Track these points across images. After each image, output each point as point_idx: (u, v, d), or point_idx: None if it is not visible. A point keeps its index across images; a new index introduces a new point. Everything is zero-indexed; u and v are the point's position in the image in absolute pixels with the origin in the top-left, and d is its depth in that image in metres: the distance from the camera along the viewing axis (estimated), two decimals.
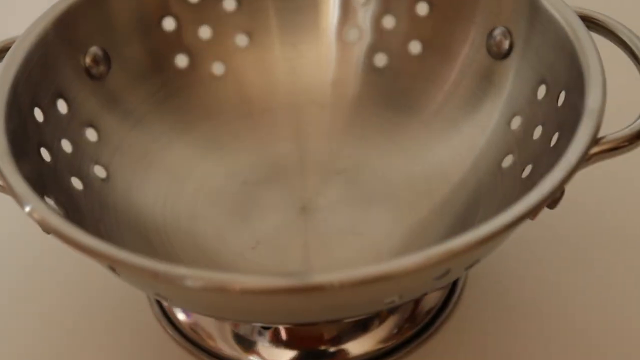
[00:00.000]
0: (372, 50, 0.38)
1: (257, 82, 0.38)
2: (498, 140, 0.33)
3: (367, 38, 0.38)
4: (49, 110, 0.32)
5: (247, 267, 0.31)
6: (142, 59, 0.36)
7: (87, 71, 0.35)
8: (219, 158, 0.36)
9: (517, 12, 0.34)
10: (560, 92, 0.31)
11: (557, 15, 0.31)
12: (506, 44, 0.34)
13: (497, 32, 0.35)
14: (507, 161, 0.33)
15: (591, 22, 0.32)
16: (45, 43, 0.32)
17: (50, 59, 0.33)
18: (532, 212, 0.24)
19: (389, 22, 0.38)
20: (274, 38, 0.39)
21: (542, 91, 0.32)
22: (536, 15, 0.32)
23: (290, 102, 0.38)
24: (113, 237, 0.30)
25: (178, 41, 0.37)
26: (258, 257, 0.32)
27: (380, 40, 0.38)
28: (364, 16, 0.38)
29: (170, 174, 0.35)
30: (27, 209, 0.26)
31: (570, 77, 0.30)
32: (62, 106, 0.33)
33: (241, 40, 0.38)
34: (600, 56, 0.29)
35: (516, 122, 0.33)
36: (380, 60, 0.38)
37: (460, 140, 0.35)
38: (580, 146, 0.26)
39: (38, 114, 0.31)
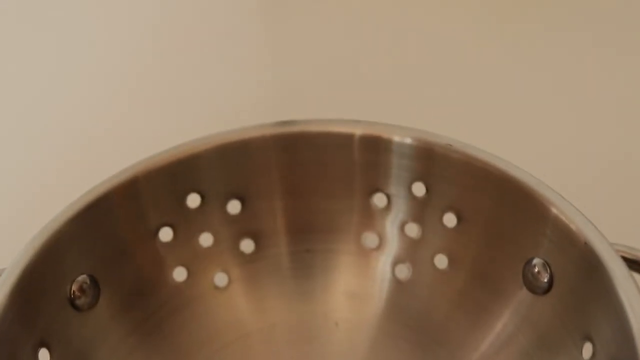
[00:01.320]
0: (394, 260, 0.35)
1: (261, 294, 0.35)
2: None
3: (387, 246, 0.35)
4: None
5: None
6: (134, 280, 0.33)
7: (72, 302, 0.31)
8: None
9: (558, 246, 0.30)
10: None
11: (610, 268, 0.27)
12: (544, 278, 0.31)
13: (535, 263, 0.31)
14: None
15: None
16: (23, 288, 0.29)
17: (33, 301, 0.29)
18: None
19: (412, 230, 0.34)
20: (282, 242, 0.35)
21: (587, 351, 0.28)
22: (581, 257, 0.28)
23: (299, 317, 0.34)
24: None
25: (175, 252, 0.34)
26: None
27: (402, 249, 0.34)
28: (384, 222, 0.34)
29: None
30: None
31: (621, 352, 0.26)
32: (44, 356, 0.30)
33: (246, 245, 0.35)
34: None
35: None
36: (402, 271, 0.34)
37: None
38: None
39: None
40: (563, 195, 0.29)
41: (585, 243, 0.28)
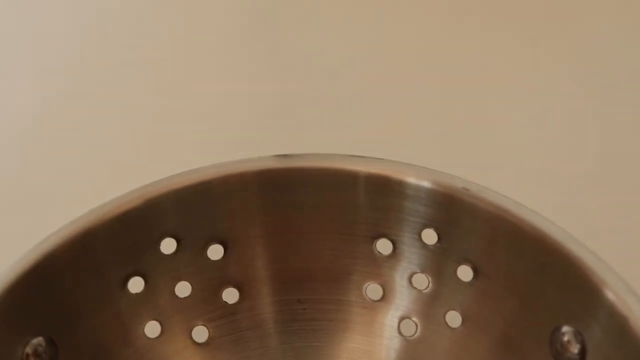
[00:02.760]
0: (401, 315, 0.30)
1: (247, 352, 0.30)
2: None
3: (393, 299, 0.30)
4: None
5: None
6: (98, 339, 0.28)
7: None
8: None
9: (597, 322, 0.25)
10: None
11: None
12: (575, 349, 0.26)
13: (565, 331, 0.27)
14: None
15: None
16: None
17: None
18: None
19: (420, 282, 0.30)
20: (270, 291, 0.31)
21: None
22: (622, 339, 0.24)
23: None
24: None
25: (147, 305, 0.29)
26: None
27: (410, 303, 0.30)
28: (390, 271, 0.30)
29: None
30: None
31: None
32: None
33: (229, 295, 0.30)
34: None
35: None
36: (410, 328, 0.30)
37: None
38: None
39: None
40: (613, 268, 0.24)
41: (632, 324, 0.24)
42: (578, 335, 0.26)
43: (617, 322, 0.24)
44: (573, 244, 0.25)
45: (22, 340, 0.26)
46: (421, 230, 0.29)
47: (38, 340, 0.27)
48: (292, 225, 0.30)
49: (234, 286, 0.30)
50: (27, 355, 0.26)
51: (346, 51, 0.53)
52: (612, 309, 0.24)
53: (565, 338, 0.27)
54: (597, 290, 0.24)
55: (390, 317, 0.30)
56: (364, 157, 0.29)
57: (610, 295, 0.24)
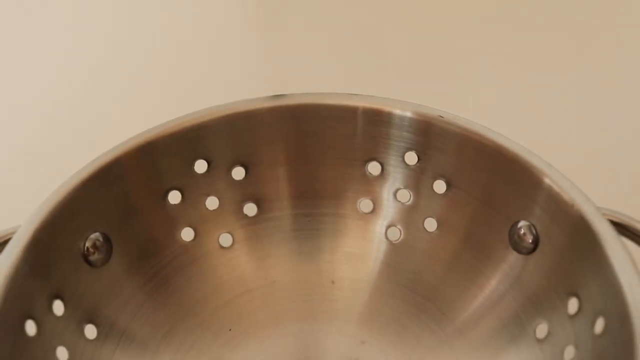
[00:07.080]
0: (388, 224, 0.33)
1: (263, 254, 0.33)
2: (523, 351, 0.28)
3: (381, 211, 0.33)
4: (44, 317, 0.26)
5: None
6: (145, 239, 0.30)
7: (86, 259, 0.28)
8: (220, 350, 0.30)
9: (546, 210, 0.28)
10: (597, 318, 0.25)
11: (597, 228, 0.25)
12: (529, 239, 0.29)
13: (521, 225, 0.29)
14: None
15: (626, 230, 0.27)
16: (36, 244, 0.26)
17: (47, 256, 0.26)
18: None
19: (404, 196, 0.32)
20: (282, 206, 0.33)
21: (573, 306, 0.27)
22: (568, 219, 0.27)
23: (298, 275, 0.32)
24: None
25: (183, 214, 0.31)
26: None
27: (395, 214, 0.32)
28: (379, 188, 0.33)
29: None
30: None
31: (609, 305, 0.25)
32: (58, 308, 0.27)
33: (249, 209, 0.33)
34: None
35: (542, 331, 0.28)
36: (394, 234, 0.32)
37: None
38: None
39: (30, 328, 0.25)
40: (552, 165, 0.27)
41: (573, 205, 0.26)
42: (532, 228, 0.29)
43: (553, 200, 0.27)
44: (522, 151, 0.28)
45: (83, 235, 0.28)
46: (404, 153, 0.31)
47: (96, 235, 0.29)
48: (302, 152, 0.32)
49: (254, 201, 0.33)
50: (87, 248, 0.29)
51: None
52: (550, 191, 0.27)
53: (522, 231, 0.29)
54: (538, 180, 0.27)
55: (378, 226, 0.33)
56: (360, 94, 0.32)
57: (547, 181, 0.27)
